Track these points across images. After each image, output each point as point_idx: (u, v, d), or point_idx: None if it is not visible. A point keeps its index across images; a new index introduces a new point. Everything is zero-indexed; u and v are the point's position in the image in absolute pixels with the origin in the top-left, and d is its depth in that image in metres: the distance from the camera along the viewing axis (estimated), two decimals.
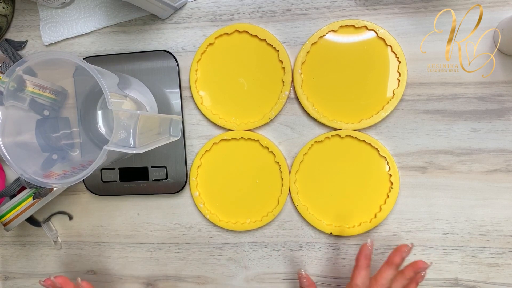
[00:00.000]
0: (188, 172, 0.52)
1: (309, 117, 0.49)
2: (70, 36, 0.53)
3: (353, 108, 0.48)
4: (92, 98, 0.49)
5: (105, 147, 0.33)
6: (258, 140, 0.49)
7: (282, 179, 0.50)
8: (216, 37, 0.49)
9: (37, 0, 0.51)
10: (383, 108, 0.47)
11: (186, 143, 0.52)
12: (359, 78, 0.47)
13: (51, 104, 0.46)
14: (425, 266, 0.42)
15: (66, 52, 0.54)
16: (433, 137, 0.47)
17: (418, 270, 0.43)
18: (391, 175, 0.48)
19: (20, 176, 0.38)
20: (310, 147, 0.49)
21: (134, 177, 0.52)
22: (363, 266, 0.43)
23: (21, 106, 0.42)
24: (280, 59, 0.48)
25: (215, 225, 0.52)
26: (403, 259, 0.43)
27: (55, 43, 0.54)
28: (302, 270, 0.48)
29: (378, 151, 0.48)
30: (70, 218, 0.57)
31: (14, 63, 0.40)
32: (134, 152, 0.35)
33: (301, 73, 0.48)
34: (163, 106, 0.50)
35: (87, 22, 0.52)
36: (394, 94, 0.46)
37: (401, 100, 0.47)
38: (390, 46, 0.46)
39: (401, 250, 0.43)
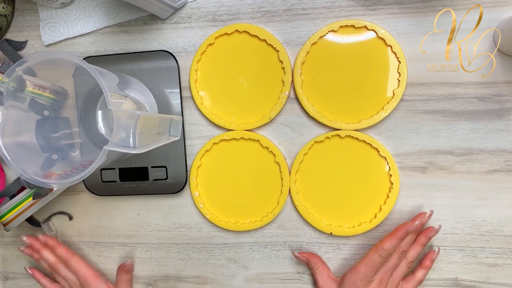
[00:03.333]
0: (188, 172, 0.52)
1: (309, 117, 0.49)
2: (70, 36, 0.53)
3: (353, 108, 0.48)
4: (92, 98, 0.49)
5: (105, 147, 0.33)
6: (258, 140, 0.49)
7: (282, 179, 0.50)
8: (216, 37, 0.49)
9: (37, 0, 0.51)
10: (383, 108, 0.47)
11: (186, 143, 0.52)
12: (359, 78, 0.47)
13: (51, 104, 0.46)
14: (434, 229, 0.46)
15: (66, 52, 0.54)
16: (433, 137, 0.47)
17: (429, 235, 0.46)
18: (391, 175, 0.48)
19: (20, 176, 0.38)
20: (310, 147, 0.49)
21: (134, 177, 0.52)
22: (397, 236, 0.45)
23: (21, 106, 0.42)
24: (280, 59, 0.48)
25: (215, 225, 0.52)
26: (422, 224, 0.46)
27: (55, 43, 0.54)
28: (295, 252, 0.50)
29: (378, 151, 0.48)
30: (70, 218, 0.57)
31: (14, 63, 0.39)
32: (134, 152, 0.35)
33: (301, 73, 0.48)
34: (163, 106, 0.50)
35: (87, 22, 0.52)
36: (394, 94, 0.46)
37: (401, 100, 0.47)
38: (390, 46, 0.46)
39: (421, 216, 0.46)
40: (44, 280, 0.54)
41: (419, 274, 0.47)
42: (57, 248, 0.52)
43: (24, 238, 0.53)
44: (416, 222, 0.45)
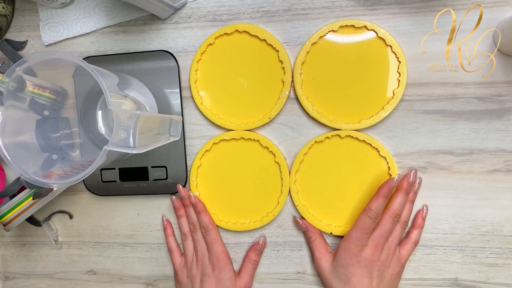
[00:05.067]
0: (188, 172, 0.52)
1: (309, 117, 0.49)
2: (70, 36, 0.53)
3: (353, 108, 0.48)
4: (92, 98, 0.49)
5: (105, 147, 0.33)
6: (258, 140, 0.49)
7: (282, 179, 0.50)
8: (216, 37, 0.49)
9: (37, 0, 0.51)
10: (383, 108, 0.47)
11: (186, 143, 0.52)
12: (359, 78, 0.47)
13: (51, 104, 0.46)
14: (419, 182, 0.47)
15: (66, 52, 0.54)
16: (433, 137, 0.47)
17: (416, 189, 0.47)
18: (391, 175, 0.48)
19: (20, 176, 0.38)
20: (310, 147, 0.49)
21: (134, 177, 0.52)
22: (382, 194, 0.45)
23: (21, 106, 0.42)
24: (280, 59, 0.48)
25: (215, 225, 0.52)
26: (410, 184, 0.46)
27: (55, 43, 0.54)
28: (297, 217, 0.50)
29: (378, 151, 0.48)
30: (71, 217, 0.57)
31: (14, 63, 0.39)
32: (134, 152, 0.35)
33: (301, 73, 0.48)
34: (163, 106, 0.50)
35: (87, 22, 0.52)
36: (394, 94, 0.46)
37: (401, 100, 0.47)
38: (390, 46, 0.46)
39: (407, 176, 0.46)
40: (172, 239, 0.53)
41: (413, 234, 0.47)
42: (203, 214, 0.50)
43: (180, 187, 0.51)
44: (396, 177, 0.45)
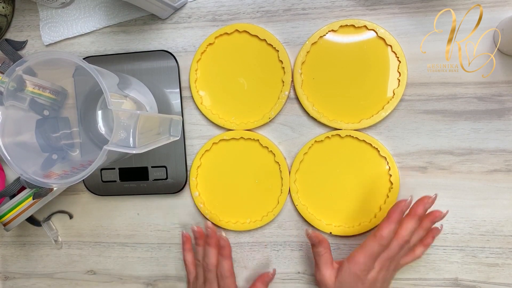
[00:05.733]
0: (188, 172, 0.52)
1: (309, 117, 0.49)
2: (70, 36, 0.53)
3: (353, 108, 0.48)
4: (92, 98, 0.49)
5: (105, 147, 0.33)
6: (258, 140, 0.49)
7: (282, 178, 0.50)
8: (216, 37, 0.49)
9: (37, 0, 0.51)
10: (383, 108, 0.47)
11: (186, 143, 0.52)
12: (359, 78, 0.47)
13: (51, 104, 0.46)
14: (441, 215, 0.43)
15: (66, 52, 0.54)
16: (433, 137, 0.47)
17: (435, 220, 0.43)
18: (391, 175, 0.48)
19: (20, 176, 0.38)
20: (310, 147, 0.49)
21: (134, 177, 0.52)
22: (394, 220, 0.41)
23: (21, 106, 0.42)
24: (280, 59, 0.48)
25: (215, 225, 0.52)
26: (425, 210, 0.43)
27: (55, 43, 0.54)
28: (310, 230, 0.46)
29: (378, 151, 0.48)
30: (71, 217, 0.57)
31: (14, 63, 0.39)
32: (134, 152, 0.35)
33: (301, 73, 0.48)
34: (163, 106, 0.50)
35: (87, 22, 0.52)
36: (394, 94, 0.46)
37: (401, 100, 0.47)
38: (390, 46, 0.46)
39: (424, 201, 0.42)
40: (190, 257, 0.50)
41: (418, 251, 0.45)
42: (224, 260, 0.48)
43: (210, 224, 0.49)
44: (408, 199, 0.42)
